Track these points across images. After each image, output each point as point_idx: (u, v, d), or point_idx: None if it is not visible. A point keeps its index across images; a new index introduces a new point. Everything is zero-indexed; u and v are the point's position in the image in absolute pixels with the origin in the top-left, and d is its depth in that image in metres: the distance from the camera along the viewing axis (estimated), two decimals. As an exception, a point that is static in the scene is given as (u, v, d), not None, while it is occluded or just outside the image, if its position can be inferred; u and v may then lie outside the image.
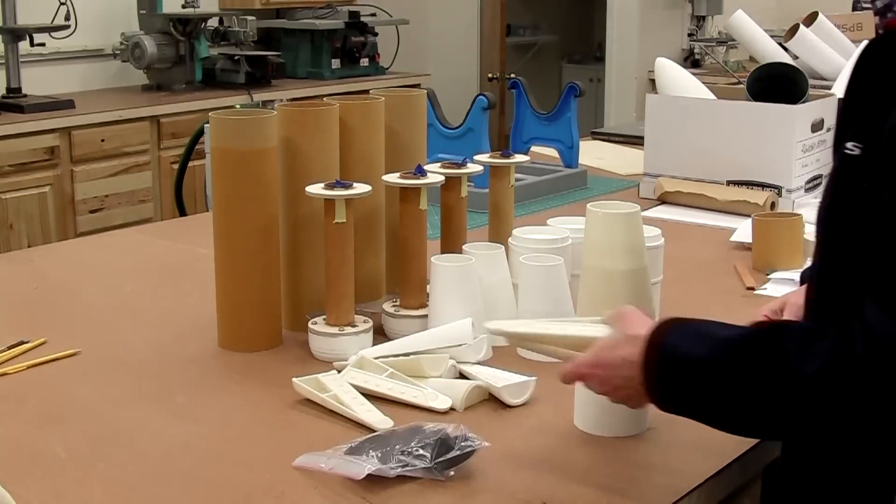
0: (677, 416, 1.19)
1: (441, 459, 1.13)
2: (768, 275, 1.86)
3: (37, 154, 3.80)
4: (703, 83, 2.58)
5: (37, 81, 4.22)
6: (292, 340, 1.56)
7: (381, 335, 1.54)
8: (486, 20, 5.65)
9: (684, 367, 1.02)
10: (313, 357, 1.49)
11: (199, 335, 1.58)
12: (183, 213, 3.14)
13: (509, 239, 1.61)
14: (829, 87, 2.62)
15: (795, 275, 1.70)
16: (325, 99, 1.62)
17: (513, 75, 3.14)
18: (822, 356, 0.95)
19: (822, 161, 2.40)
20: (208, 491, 1.14)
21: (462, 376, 1.41)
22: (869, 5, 4.57)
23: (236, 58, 4.60)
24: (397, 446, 1.14)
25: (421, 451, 1.13)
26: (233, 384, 1.43)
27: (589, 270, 1.25)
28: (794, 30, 2.94)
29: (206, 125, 2.65)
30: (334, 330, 1.48)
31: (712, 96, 2.50)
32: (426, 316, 1.53)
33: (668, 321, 1.06)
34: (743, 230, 2.05)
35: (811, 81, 2.44)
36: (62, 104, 3.98)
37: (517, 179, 1.99)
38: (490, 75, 5.58)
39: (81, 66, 4.60)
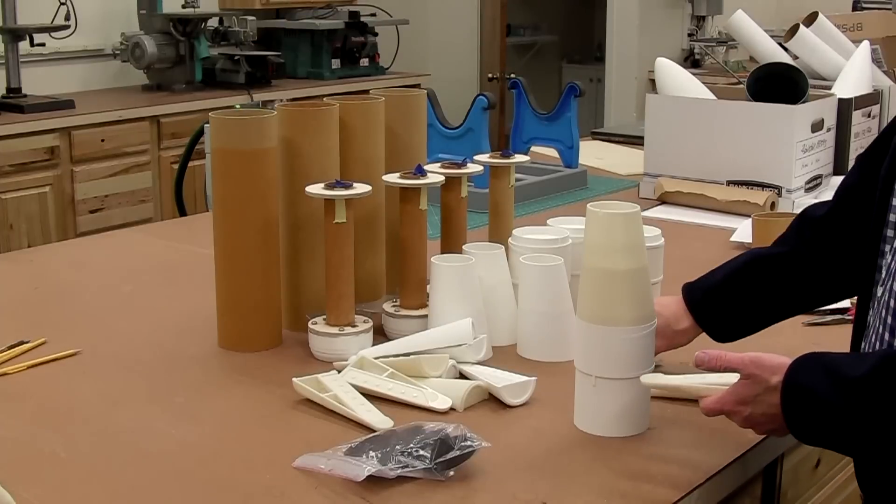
0: (677, 417, 1.19)
1: (441, 459, 1.13)
2: (768, 275, 1.86)
3: (37, 154, 3.80)
4: (703, 83, 2.58)
5: (37, 81, 4.22)
6: (292, 340, 1.56)
7: (381, 335, 1.54)
8: (486, 20, 5.65)
9: (821, 412, 1.06)
10: (313, 357, 1.49)
11: (199, 335, 1.58)
12: (183, 213, 3.14)
13: (509, 239, 1.61)
14: (829, 87, 2.62)
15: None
16: (325, 99, 1.61)
17: (513, 75, 3.14)
18: None
19: (821, 161, 2.40)
20: (208, 491, 1.14)
21: (462, 376, 1.41)
22: (869, 5, 4.57)
23: (236, 58, 4.59)
24: (397, 446, 1.14)
25: (421, 452, 1.13)
26: (233, 384, 1.43)
27: (589, 270, 1.25)
28: (794, 30, 2.94)
29: (206, 125, 2.65)
30: (334, 330, 1.48)
31: (712, 96, 2.50)
32: (426, 316, 1.53)
33: (806, 360, 1.09)
34: (743, 230, 2.05)
35: (811, 81, 2.44)
36: (62, 104, 3.98)
37: (517, 179, 1.99)
38: (490, 75, 5.58)
39: (81, 66, 4.60)
